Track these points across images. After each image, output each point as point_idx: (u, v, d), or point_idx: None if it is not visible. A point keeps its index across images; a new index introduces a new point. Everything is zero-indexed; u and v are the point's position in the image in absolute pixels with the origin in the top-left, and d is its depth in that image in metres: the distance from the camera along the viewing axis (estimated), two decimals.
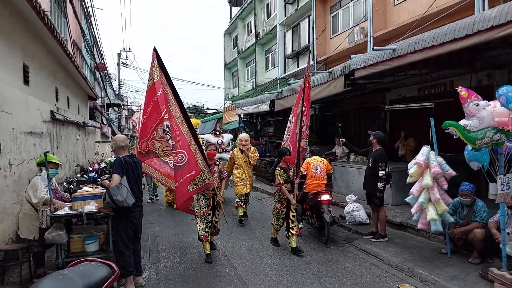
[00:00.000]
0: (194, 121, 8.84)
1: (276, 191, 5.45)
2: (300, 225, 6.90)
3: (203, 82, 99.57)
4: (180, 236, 6.26)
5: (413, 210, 4.83)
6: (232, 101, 23.02)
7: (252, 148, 7.37)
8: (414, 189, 4.78)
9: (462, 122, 3.81)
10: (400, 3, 10.16)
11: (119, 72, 27.42)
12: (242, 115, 14.97)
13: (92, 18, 14.56)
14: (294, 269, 4.68)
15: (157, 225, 7.12)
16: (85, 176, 7.94)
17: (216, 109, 28.75)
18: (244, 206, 7.23)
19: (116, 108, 24.80)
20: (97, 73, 17.89)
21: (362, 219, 6.48)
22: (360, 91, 8.78)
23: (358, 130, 11.45)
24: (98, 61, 17.01)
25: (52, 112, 7.21)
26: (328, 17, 13.87)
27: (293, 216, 5.32)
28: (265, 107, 11.44)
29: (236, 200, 7.22)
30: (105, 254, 4.28)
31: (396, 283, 4.23)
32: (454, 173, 4.65)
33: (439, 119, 4.27)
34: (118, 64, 26.96)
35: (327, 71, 8.14)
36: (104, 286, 2.37)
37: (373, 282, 4.29)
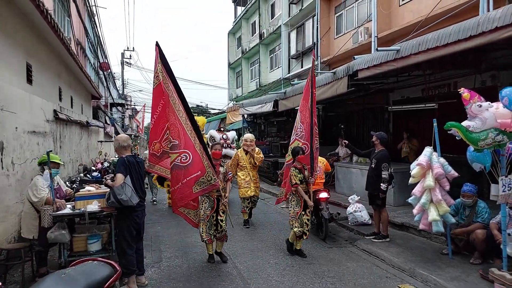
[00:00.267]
0: (200, 119, 8.72)
1: (291, 192, 5.14)
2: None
3: (207, 82, 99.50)
4: (182, 236, 6.28)
5: (415, 211, 4.83)
6: (236, 101, 23.05)
7: (257, 149, 7.11)
8: (416, 190, 4.77)
9: (465, 123, 3.80)
10: (404, 3, 10.12)
11: (122, 72, 27.53)
12: (245, 115, 14.99)
13: (95, 17, 14.63)
14: (296, 269, 4.68)
15: (160, 224, 7.15)
16: (88, 175, 7.96)
17: (219, 109, 28.80)
18: (248, 212, 6.96)
19: (119, 108, 24.89)
20: (100, 72, 17.96)
21: (364, 220, 6.47)
22: (363, 91, 8.78)
23: (361, 131, 11.42)
24: (101, 61, 17.07)
25: (55, 111, 7.24)
26: (332, 17, 13.84)
27: (307, 220, 5.09)
28: (268, 107, 11.44)
29: (242, 207, 6.96)
30: (108, 254, 4.30)
31: (398, 283, 4.23)
32: (456, 174, 4.64)
33: (443, 120, 4.25)
34: (122, 63, 27.06)
35: (330, 71, 8.13)
36: (106, 285, 2.39)
37: (375, 282, 4.28)
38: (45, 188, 4.40)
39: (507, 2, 6.58)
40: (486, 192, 4.44)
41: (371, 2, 10.85)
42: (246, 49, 23.19)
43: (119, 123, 27.18)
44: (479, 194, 4.83)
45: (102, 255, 3.92)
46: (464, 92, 3.87)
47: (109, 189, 3.97)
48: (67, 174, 8.33)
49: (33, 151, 5.72)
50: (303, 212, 5.05)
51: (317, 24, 13.94)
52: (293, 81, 12.15)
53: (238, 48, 25.58)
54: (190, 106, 4.74)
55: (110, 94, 19.45)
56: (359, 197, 6.81)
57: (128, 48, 35.56)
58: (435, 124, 4.75)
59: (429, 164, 4.61)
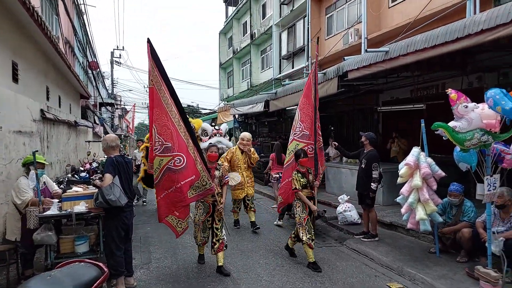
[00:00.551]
0: (196, 122, 8.39)
1: (295, 198, 4.87)
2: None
3: (198, 82, 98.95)
4: (172, 237, 6.17)
5: (403, 210, 4.89)
6: (227, 101, 23.01)
7: (252, 149, 6.85)
8: (404, 190, 4.84)
9: (451, 123, 3.86)
10: (394, 5, 10.24)
11: (112, 71, 27.24)
12: (236, 116, 14.97)
13: (84, 16, 14.44)
14: (286, 269, 4.69)
15: (149, 225, 7.09)
16: (76, 176, 7.85)
17: (211, 109, 28.68)
18: (238, 212, 6.85)
19: (109, 108, 24.60)
20: (89, 71, 17.72)
21: (354, 219, 6.52)
22: (353, 92, 8.84)
23: (351, 131, 11.51)
24: (90, 60, 16.86)
25: (42, 111, 7.11)
26: (323, 18, 13.92)
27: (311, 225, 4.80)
28: (259, 107, 11.45)
29: (233, 207, 6.89)
30: (96, 255, 4.24)
31: (386, 282, 4.28)
32: (443, 174, 4.72)
33: (431, 120, 4.30)
34: (111, 62, 26.77)
35: (321, 72, 8.18)
36: (93, 287, 2.36)
37: (364, 281, 4.33)
38: (29, 189, 4.29)
39: (493, 5, 6.71)
40: (473, 191, 4.52)
41: (361, 3, 10.95)
42: (237, 49, 23.17)
43: (109, 123, 26.87)
44: (465, 193, 4.91)
45: (90, 257, 3.86)
46: (452, 93, 3.94)
47: (97, 190, 3.92)
48: (55, 174, 8.19)
49: (19, 151, 5.60)
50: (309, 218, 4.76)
51: (308, 25, 14.01)
52: (284, 81, 12.18)
53: (229, 48, 25.54)
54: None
55: (99, 94, 19.20)
56: (348, 196, 6.86)
57: (118, 47, 35.14)
58: (422, 124, 4.82)
59: (416, 164, 4.68)
